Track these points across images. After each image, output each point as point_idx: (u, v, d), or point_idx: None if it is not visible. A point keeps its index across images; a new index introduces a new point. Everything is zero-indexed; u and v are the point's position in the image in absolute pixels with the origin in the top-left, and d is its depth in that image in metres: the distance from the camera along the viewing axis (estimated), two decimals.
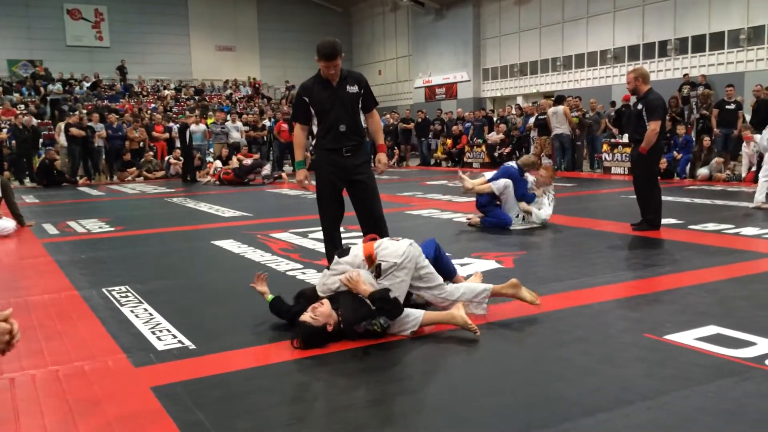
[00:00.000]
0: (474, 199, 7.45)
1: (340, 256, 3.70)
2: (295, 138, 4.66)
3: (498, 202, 7.06)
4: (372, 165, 4.63)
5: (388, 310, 3.31)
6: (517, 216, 7.00)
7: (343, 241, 4.71)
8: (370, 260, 3.54)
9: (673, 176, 12.31)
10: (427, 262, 3.69)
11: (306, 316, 3.30)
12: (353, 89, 4.40)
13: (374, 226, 4.51)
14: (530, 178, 7.21)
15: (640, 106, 6.51)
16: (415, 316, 3.42)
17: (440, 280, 3.72)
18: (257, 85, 29.65)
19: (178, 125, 16.36)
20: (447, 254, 4.16)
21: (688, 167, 12.30)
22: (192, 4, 30.47)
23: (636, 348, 3.19)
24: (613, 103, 17.08)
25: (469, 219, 7.39)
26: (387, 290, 3.36)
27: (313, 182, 4.62)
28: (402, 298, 3.49)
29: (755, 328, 3.37)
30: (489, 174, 7.32)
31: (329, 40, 4.28)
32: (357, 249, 3.66)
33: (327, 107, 4.37)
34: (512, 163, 7.38)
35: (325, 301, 3.38)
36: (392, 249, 3.58)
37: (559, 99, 15.47)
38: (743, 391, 2.65)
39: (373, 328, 3.31)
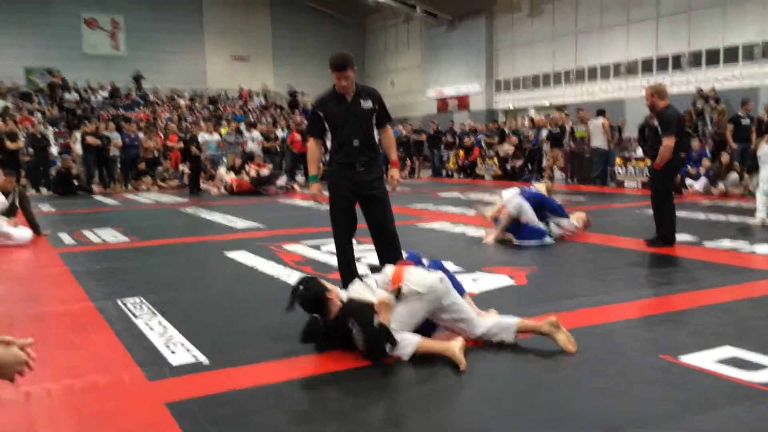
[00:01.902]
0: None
1: (373, 272, 3.74)
2: (309, 152, 4.70)
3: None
4: (385, 179, 4.65)
5: (370, 347, 3.29)
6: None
7: (356, 254, 4.73)
8: (395, 284, 3.49)
9: (682, 191, 12.14)
10: (456, 295, 3.55)
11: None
12: (367, 104, 4.44)
13: (387, 242, 4.54)
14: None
15: (656, 122, 6.52)
16: (409, 342, 3.31)
17: (469, 313, 3.55)
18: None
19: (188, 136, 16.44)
20: (454, 272, 4.04)
21: (703, 182, 12.21)
22: (207, 14, 30.82)
23: (651, 369, 3.17)
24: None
25: (495, 238, 7.15)
26: (391, 337, 3.27)
27: (326, 193, 4.65)
28: (410, 327, 3.40)
29: None
30: (506, 193, 7.31)
31: (341, 52, 4.40)
32: (389, 269, 3.62)
33: (341, 122, 4.41)
34: (532, 188, 7.41)
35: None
36: (420, 277, 3.48)
37: (601, 112, 15.28)
38: (758, 416, 2.63)
39: (355, 334, 3.35)
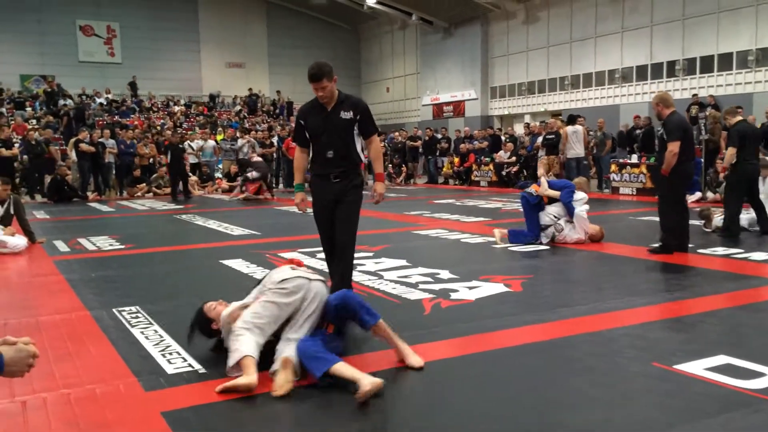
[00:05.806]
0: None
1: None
2: (295, 161, 4.73)
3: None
4: (362, 189, 4.57)
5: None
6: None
7: None
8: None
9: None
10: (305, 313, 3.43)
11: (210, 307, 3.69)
12: (347, 115, 4.38)
13: (336, 254, 4.45)
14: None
15: (661, 130, 6.57)
16: (234, 352, 3.25)
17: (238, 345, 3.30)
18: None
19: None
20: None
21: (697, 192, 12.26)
22: (203, 21, 30.84)
23: (644, 377, 3.18)
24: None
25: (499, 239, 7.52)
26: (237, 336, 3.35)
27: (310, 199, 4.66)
28: (242, 347, 3.26)
29: (766, 358, 3.36)
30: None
31: (317, 62, 4.34)
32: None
33: (319, 132, 4.41)
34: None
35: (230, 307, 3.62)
36: (272, 276, 3.60)
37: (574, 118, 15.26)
38: (752, 424, 2.65)
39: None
